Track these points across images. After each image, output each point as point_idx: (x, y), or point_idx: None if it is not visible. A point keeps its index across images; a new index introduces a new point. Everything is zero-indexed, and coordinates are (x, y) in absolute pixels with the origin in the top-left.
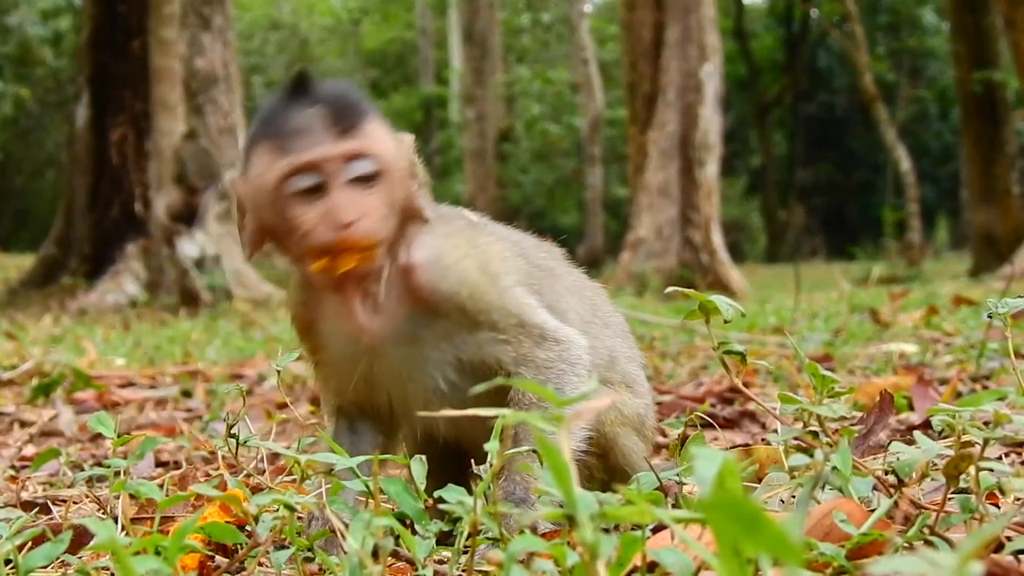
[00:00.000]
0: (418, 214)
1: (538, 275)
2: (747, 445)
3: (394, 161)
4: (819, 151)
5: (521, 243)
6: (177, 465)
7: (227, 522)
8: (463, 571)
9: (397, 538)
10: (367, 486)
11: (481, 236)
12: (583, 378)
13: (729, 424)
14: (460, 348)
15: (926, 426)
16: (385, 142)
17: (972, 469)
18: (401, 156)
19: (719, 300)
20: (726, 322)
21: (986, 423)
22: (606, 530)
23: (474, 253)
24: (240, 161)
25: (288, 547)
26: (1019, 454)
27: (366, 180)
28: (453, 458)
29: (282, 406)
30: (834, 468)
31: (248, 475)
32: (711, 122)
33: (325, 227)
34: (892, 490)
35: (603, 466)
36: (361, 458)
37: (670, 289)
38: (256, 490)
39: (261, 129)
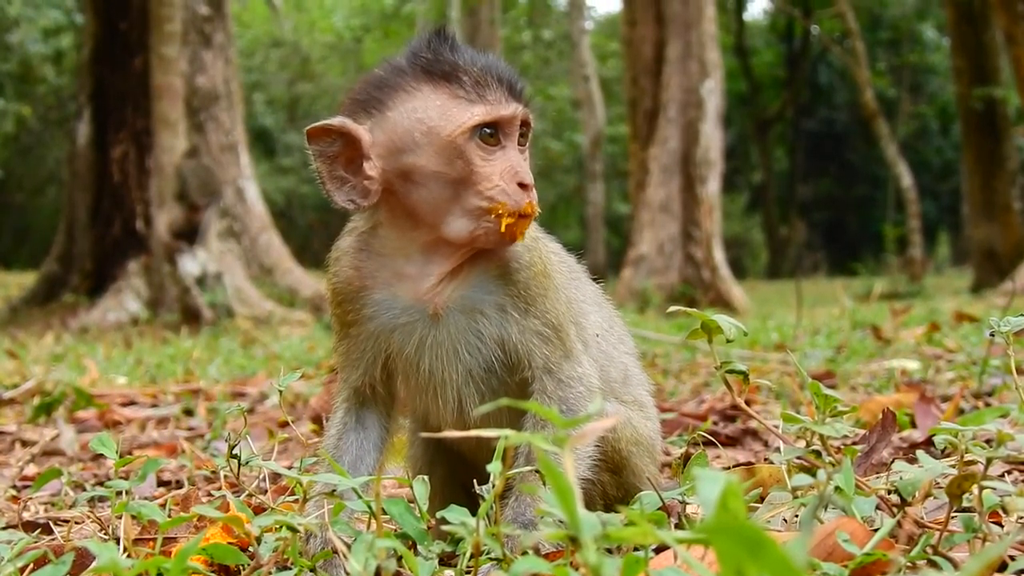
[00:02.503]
0: None
1: (574, 283)
2: (750, 463)
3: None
4: (820, 167)
5: (559, 252)
6: (179, 484)
7: (229, 543)
8: None
9: (400, 559)
10: (369, 506)
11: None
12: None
13: (731, 442)
14: (508, 329)
15: (929, 444)
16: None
17: (975, 488)
18: None
19: (721, 319)
20: (728, 341)
21: (988, 441)
22: (609, 551)
23: (553, 247)
24: (366, 103)
25: (290, 568)
26: (1022, 472)
27: (523, 147)
28: (458, 469)
29: (284, 425)
30: (837, 488)
31: (250, 495)
32: (712, 138)
33: (510, 187)
34: (895, 509)
35: (616, 483)
36: (364, 478)
37: (672, 308)
38: (258, 510)
39: (426, 72)
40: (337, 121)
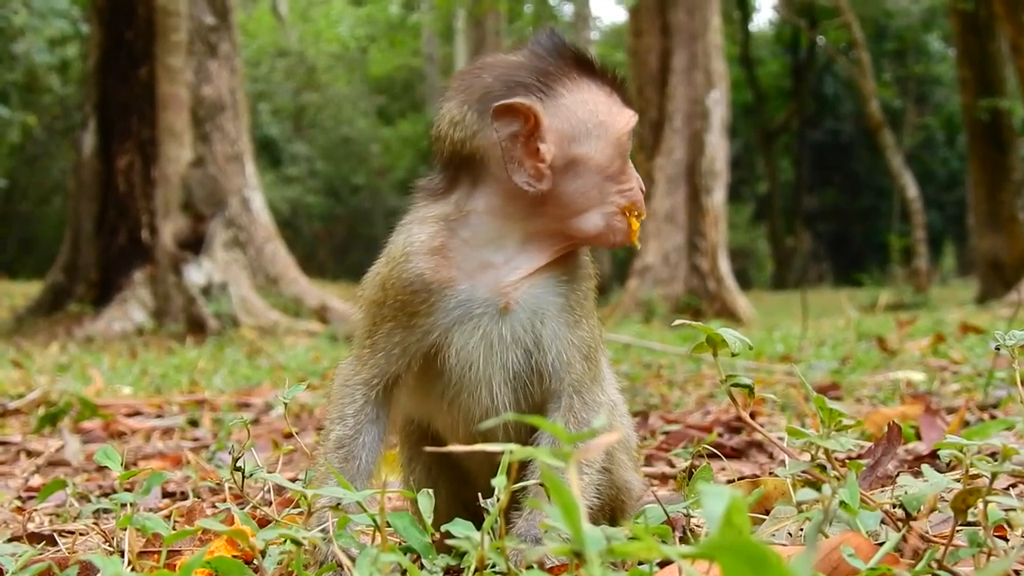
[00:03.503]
0: None
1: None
2: (755, 476)
3: None
4: (825, 177)
5: None
6: (184, 496)
7: (234, 556)
8: None
9: (404, 572)
10: (374, 520)
11: None
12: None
13: (736, 454)
14: (560, 335)
15: (934, 456)
16: None
17: (980, 503)
18: None
19: (726, 333)
20: (734, 355)
21: (993, 455)
22: (614, 565)
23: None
24: (532, 87)
25: None
26: None
27: None
28: (465, 481)
29: (288, 436)
30: (842, 502)
31: (255, 507)
32: (718, 149)
33: (639, 189)
34: (900, 524)
35: (609, 481)
36: (368, 492)
37: (677, 322)
38: (263, 522)
39: (579, 66)
40: (529, 101)
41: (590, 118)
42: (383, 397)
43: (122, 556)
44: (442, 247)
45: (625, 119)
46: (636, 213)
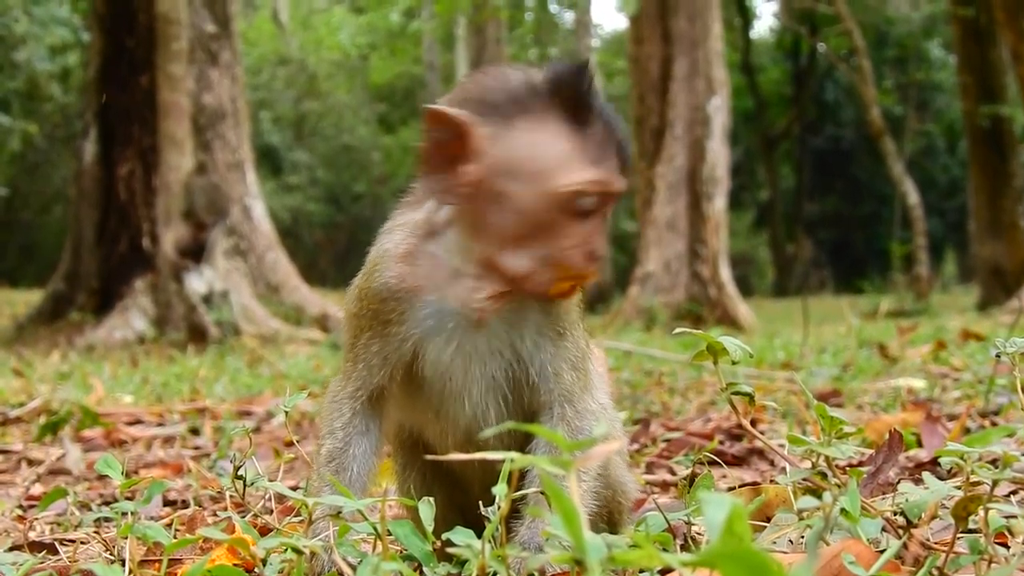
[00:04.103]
0: None
1: None
2: (756, 483)
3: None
4: (826, 184)
5: None
6: (185, 504)
7: (235, 565)
8: None
9: None
10: (375, 528)
11: None
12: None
13: (737, 461)
14: (543, 349)
15: (935, 464)
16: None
17: (981, 510)
18: None
19: (727, 341)
20: (734, 363)
21: (994, 462)
22: (615, 573)
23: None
24: (492, 109)
25: None
26: None
27: (605, 217)
28: (461, 490)
29: (290, 444)
30: (843, 510)
31: (256, 515)
32: (719, 156)
33: (581, 253)
34: (901, 531)
35: (605, 483)
36: (368, 500)
37: (678, 330)
38: (264, 531)
39: (562, 106)
40: (464, 116)
41: (530, 162)
42: (371, 409)
43: (123, 565)
44: (408, 254)
45: (575, 179)
46: (566, 274)
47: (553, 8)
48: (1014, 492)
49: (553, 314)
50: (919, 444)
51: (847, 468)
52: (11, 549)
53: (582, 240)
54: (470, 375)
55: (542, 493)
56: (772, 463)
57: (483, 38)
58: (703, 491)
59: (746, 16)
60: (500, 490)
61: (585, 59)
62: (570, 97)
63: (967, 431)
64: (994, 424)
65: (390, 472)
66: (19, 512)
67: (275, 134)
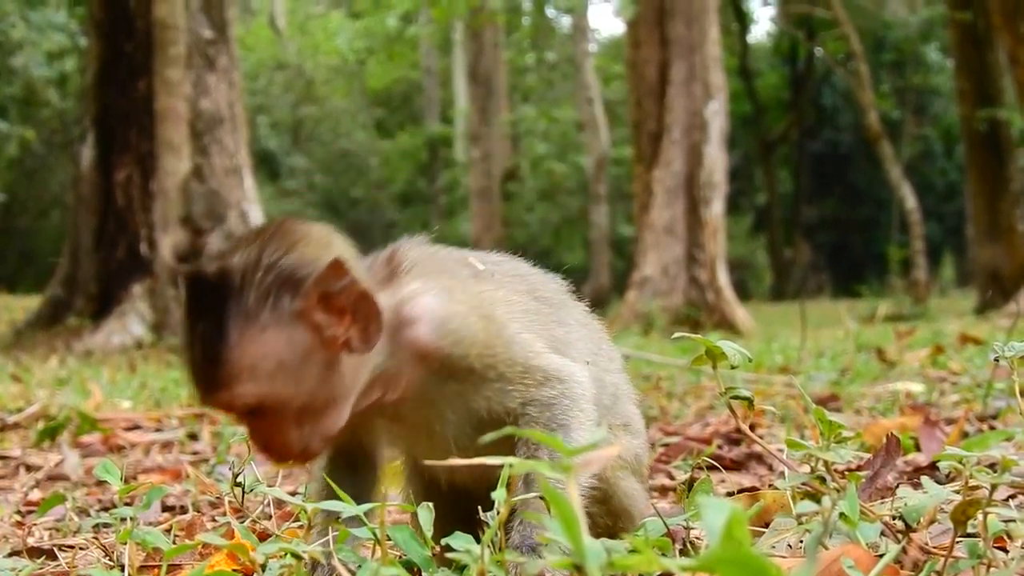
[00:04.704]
0: (366, 344)
1: (547, 311)
2: (754, 488)
3: (284, 379)
4: (824, 188)
5: (529, 278)
6: (183, 510)
7: (234, 570)
8: None
9: None
10: (374, 533)
11: (485, 283)
12: (587, 412)
13: (736, 466)
14: (472, 402)
15: (933, 468)
16: (267, 368)
17: (980, 514)
18: (292, 348)
19: (726, 346)
20: (733, 367)
21: (993, 466)
22: None
23: (478, 306)
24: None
25: None
26: None
27: (261, 411)
28: (456, 502)
29: None
30: (842, 514)
31: (255, 521)
32: (716, 160)
33: (257, 447)
34: (900, 535)
35: (605, 511)
36: (368, 505)
37: (677, 335)
38: (263, 536)
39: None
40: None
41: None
42: (347, 446)
43: (122, 570)
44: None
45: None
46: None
47: (550, 12)
48: (1012, 496)
49: (462, 378)
50: (917, 448)
51: (846, 472)
52: (10, 555)
53: (253, 437)
54: (420, 445)
55: (541, 498)
56: (771, 467)
57: (480, 43)
58: (702, 496)
59: (743, 20)
60: (499, 495)
61: (190, 269)
62: (183, 318)
63: (965, 435)
64: (992, 428)
65: (396, 475)
66: (18, 518)
67: (273, 139)
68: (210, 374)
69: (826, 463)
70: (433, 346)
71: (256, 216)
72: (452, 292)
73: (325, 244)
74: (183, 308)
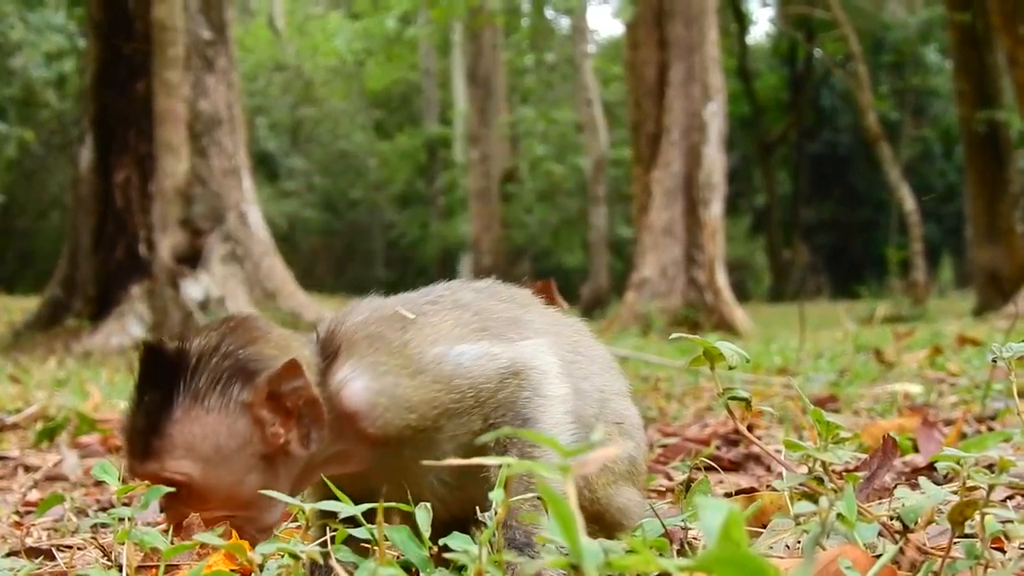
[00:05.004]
0: (306, 449)
1: (498, 323)
2: (752, 489)
3: (216, 465)
4: (823, 190)
5: (476, 304)
6: None
7: (232, 570)
8: None
9: None
10: (372, 534)
11: (413, 331)
12: (551, 394)
13: (734, 467)
14: (437, 449)
15: (931, 469)
16: (203, 450)
17: (977, 515)
18: (228, 446)
19: (724, 346)
20: (731, 368)
21: (990, 467)
22: None
23: (407, 365)
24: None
25: None
26: None
27: (186, 496)
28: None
29: None
30: (839, 515)
31: None
32: (715, 161)
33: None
34: (898, 536)
35: (599, 527)
36: (366, 506)
37: (675, 336)
38: None
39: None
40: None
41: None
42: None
43: (120, 571)
44: None
45: None
46: None
47: (549, 14)
48: (1010, 497)
49: (416, 435)
50: (915, 449)
51: (843, 473)
52: (8, 555)
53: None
54: (400, 489)
55: (539, 498)
56: (769, 468)
57: (479, 44)
58: (700, 496)
59: (742, 22)
60: (497, 496)
61: (150, 342)
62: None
63: (963, 436)
64: (991, 429)
65: None
66: (16, 518)
67: (271, 140)
68: (146, 443)
69: (824, 464)
70: (372, 430)
71: (255, 217)
72: (377, 367)
73: (283, 346)
74: (135, 378)
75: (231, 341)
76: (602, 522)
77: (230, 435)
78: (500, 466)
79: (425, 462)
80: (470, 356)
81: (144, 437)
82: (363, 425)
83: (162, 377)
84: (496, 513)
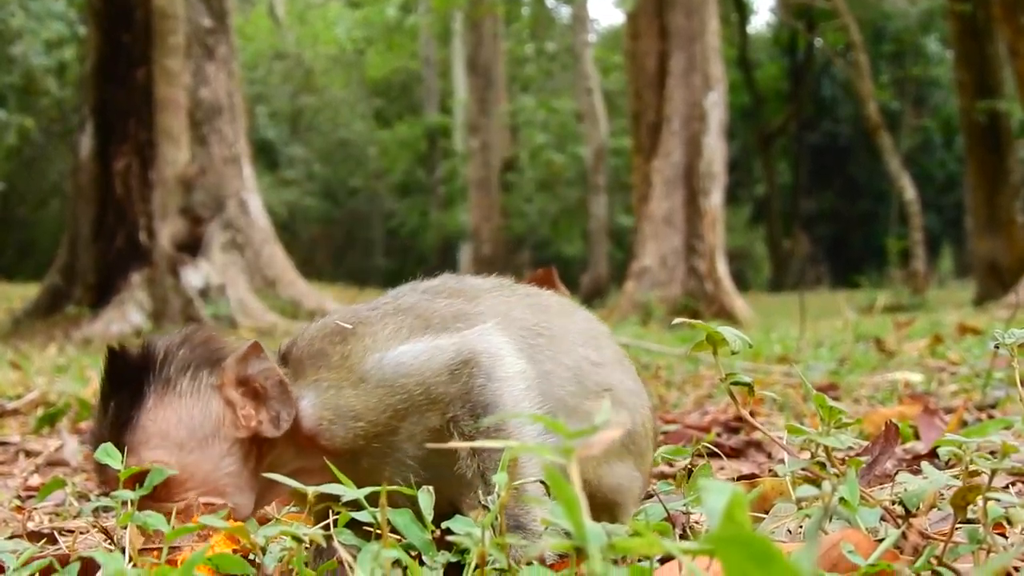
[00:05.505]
0: (277, 429)
1: (446, 322)
2: (753, 475)
3: (191, 451)
4: (823, 180)
5: (416, 306)
6: None
7: (234, 551)
8: None
9: (405, 569)
10: (375, 517)
11: (352, 342)
12: (506, 376)
13: (735, 454)
14: (399, 451)
15: (932, 456)
16: (177, 436)
17: (980, 500)
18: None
19: (726, 331)
20: (733, 353)
21: (993, 453)
22: (614, 561)
23: (347, 376)
24: None
25: None
26: None
27: (160, 486)
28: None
29: None
30: (841, 499)
31: None
32: (715, 151)
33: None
34: (900, 521)
35: (591, 506)
36: (368, 489)
37: (677, 320)
38: (263, 520)
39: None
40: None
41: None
42: None
43: (123, 553)
44: None
45: None
46: None
47: (550, 3)
48: (1012, 484)
49: (374, 441)
50: (916, 437)
51: (846, 459)
52: (10, 539)
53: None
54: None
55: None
56: (770, 455)
57: (480, 33)
58: (702, 479)
59: (743, 11)
60: (500, 478)
61: (113, 346)
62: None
63: (964, 424)
64: (991, 417)
65: None
66: (17, 503)
67: (271, 129)
68: (119, 438)
69: (826, 449)
70: (330, 446)
71: (255, 205)
72: (319, 384)
73: (244, 342)
74: (100, 384)
75: (195, 338)
76: (592, 503)
77: (203, 419)
78: (473, 459)
79: (390, 466)
80: (411, 354)
81: (115, 435)
82: (322, 443)
83: (129, 378)
84: (499, 497)
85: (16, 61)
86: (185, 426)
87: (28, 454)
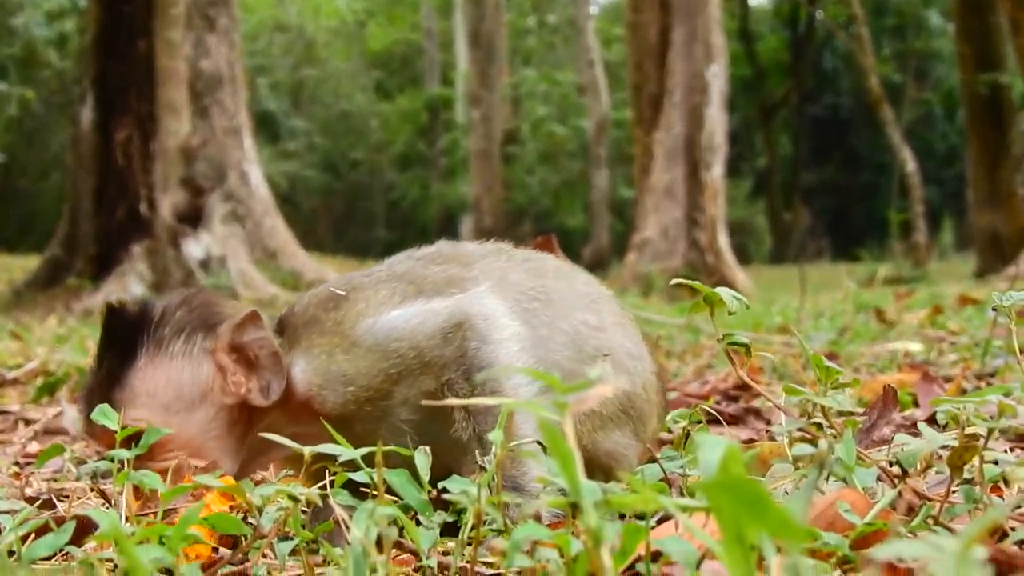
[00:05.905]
0: (266, 399)
1: (440, 287)
2: (752, 441)
3: (176, 413)
4: (824, 152)
5: (410, 272)
6: None
7: (231, 506)
8: (467, 562)
9: (401, 529)
10: (371, 477)
11: (344, 307)
12: (500, 339)
13: (734, 420)
14: (394, 415)
15: (931, 421)
16: (165, 397)
17: (976, 460)
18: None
19: (723, 292)
20: (730, 314)
21: (991, 416)
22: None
23: (340, 343)
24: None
25: (292, 538)
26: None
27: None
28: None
29: None
30: (838, 458)
31: None
32: (717, 123)
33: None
34: (896, 480)
35: (587, 471)
36: (364, 449)
37: (675, 280)
38: (259, 481)
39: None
40: None
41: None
42: None
43: (120, 514)
44: None
45: None
46: None
47: None
48: (1010, 450)
49: (368, 405)
50: (915, 404)
51: (843, 419)
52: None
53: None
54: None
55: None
56: (768, 422)
57: (481, 5)
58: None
59: None
60: (496, 436)
61: (112, 304)
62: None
63: (963, 392)
64: (990, 385)
65: None
66: (15, 469)
67: (272, 100)
68: (108, 395)
69: (823, 409)
70: (322, 412)
71: (256, 176)
72: (311, 351)
73: (242, 309)
74: (98, 339)
75: (194, 300)
76: (588, 468)
77: (192, 382)
78: (469, 422)
79: (386, 428)
80: (403, 318)
81: (105, 392)
82: (317, 407)
83: (126, 335)
84: (495, 456)
85: (17, 33)
86: (173, 388)
87: (27, 423)
